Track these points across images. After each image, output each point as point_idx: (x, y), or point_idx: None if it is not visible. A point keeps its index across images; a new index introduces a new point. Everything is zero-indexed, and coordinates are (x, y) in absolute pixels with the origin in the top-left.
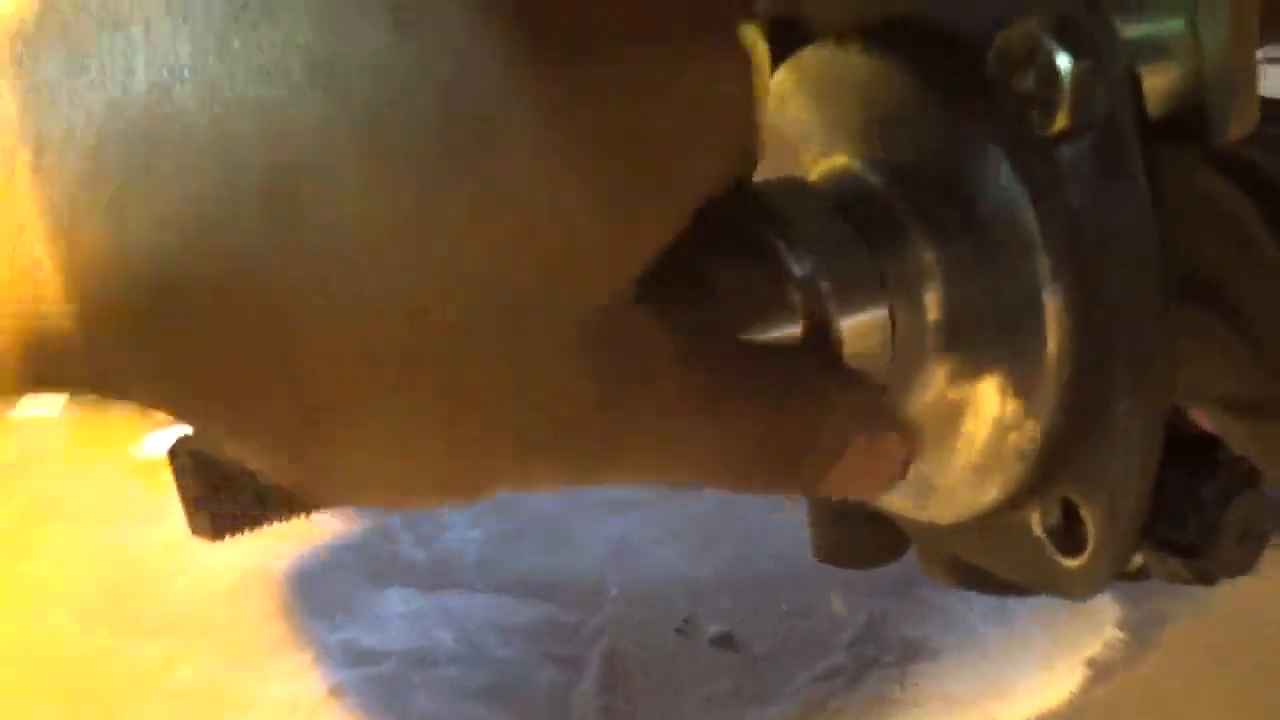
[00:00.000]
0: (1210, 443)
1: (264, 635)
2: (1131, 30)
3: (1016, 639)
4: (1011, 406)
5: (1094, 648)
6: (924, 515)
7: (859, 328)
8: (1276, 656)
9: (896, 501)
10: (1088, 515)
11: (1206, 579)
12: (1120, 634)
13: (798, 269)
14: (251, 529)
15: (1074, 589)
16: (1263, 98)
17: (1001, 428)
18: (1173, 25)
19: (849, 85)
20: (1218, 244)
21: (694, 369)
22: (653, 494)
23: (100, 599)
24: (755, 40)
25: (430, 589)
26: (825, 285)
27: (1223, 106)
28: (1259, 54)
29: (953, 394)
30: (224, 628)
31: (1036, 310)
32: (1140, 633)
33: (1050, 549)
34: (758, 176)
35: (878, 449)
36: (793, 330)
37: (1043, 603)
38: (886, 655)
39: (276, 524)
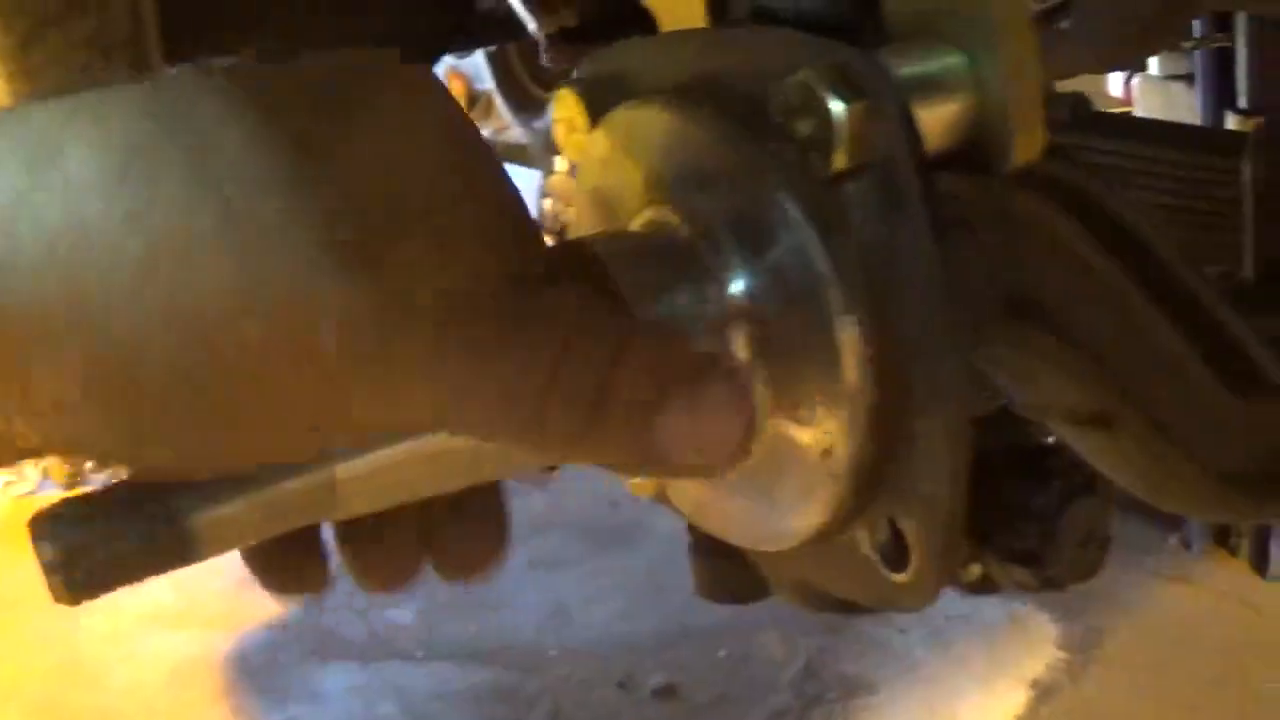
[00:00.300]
0: (1045, 453)
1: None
2: (912, 69)
3: (955, 664)
4: (824, 433)
5: (1035, 668)
6: (761, 545)
7: None
8: (1215, 666)
9: (738, 531)
10: (907, 530)
11: (1054, 585)
12: (1060, 653)
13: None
14: (123, 583)
15: (905, 601)
16: (1102, 114)
17: (818, 454)
18: (953, 62)
19: (656, 142)
20: (1048, 265)
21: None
22: (588, 554)
23: (45, 693)
24: (574, 104)
25: (371, 662)
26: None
27: (1005, 136)
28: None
29: (772, 426)
30: (167, 714)
31: (835, 341)
32: (1080, 651)
33: (879, 565)
34: (588, 230)
35: (706, 406)
36: None
37: (980, 626)
38: (829, 693)
39: (165, 576)
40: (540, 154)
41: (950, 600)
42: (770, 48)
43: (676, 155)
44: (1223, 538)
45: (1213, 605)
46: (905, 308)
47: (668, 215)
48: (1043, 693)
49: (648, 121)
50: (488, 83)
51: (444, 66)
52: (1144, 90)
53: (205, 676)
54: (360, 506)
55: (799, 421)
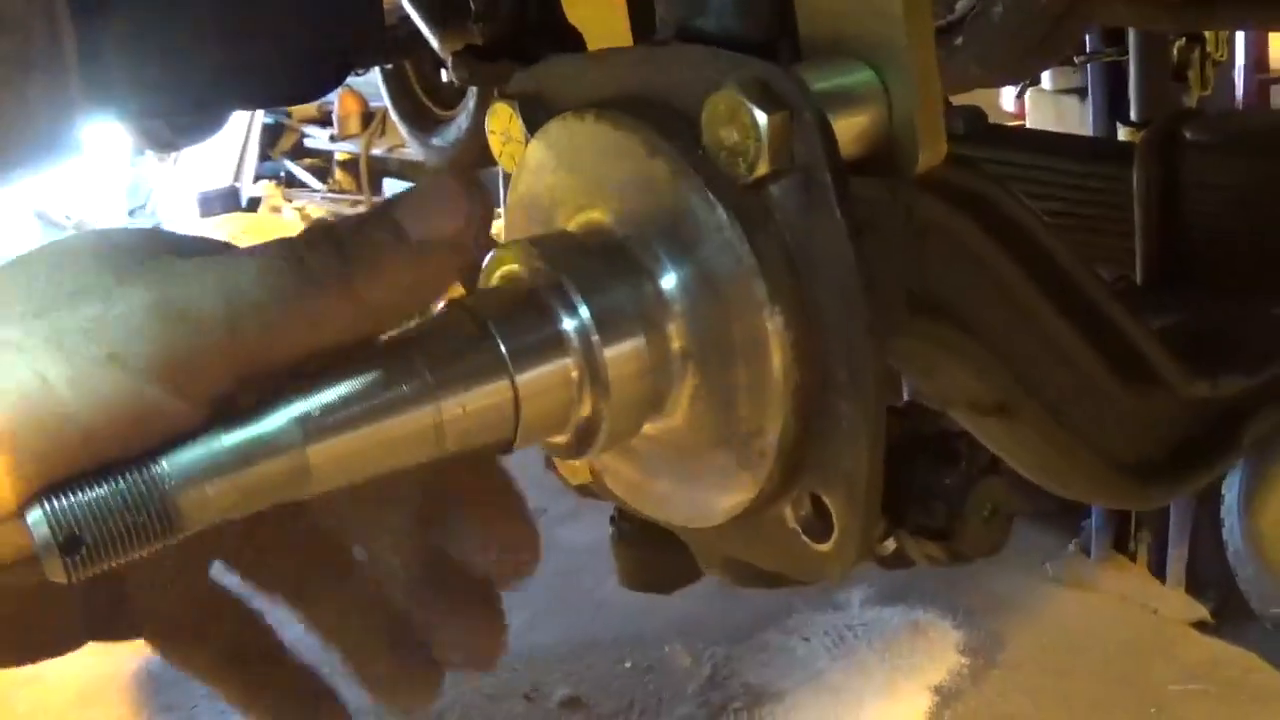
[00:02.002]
0: (951, 438)
1: None
2: (828, 83)
3: (859, 671)
4: (752, 415)
5: (937, 674)
6: (693, 523)
7: (620, 356)
8: (1116, 669)
9: (671, 511)
10: (830, 504)
11: (961, 558)
12: (962, 659)
13: (563, 310)
14: (116, 560)
15: (828, 570)
16: (996, 125)
17: (746, 434)
18: (865, 77)
19: (591, 151)
20: (949, 264)
21: None
22: None
23: None
24: (511, 116)
25: None
26: (588, 320)
27: (911, 144)
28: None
29: (704, 408)
30: None
31: (761, 331)
32: (981, 656)
33: (803, 538)
34: (525, 234)
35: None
36: (565, 361)
37: (882, 633)
38: (734, 702)
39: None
40: (436, 171)
41: (854, 608)
42: (697, 63)
43: (611, 163)
44: (1122, 543)
45: (1113, 609)
46: (825, 299)
47: (602, 218)
48: (945, 698)
49: (583, 133)
50: (384, 100)
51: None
52: (1036, 104)
53: (113, 696)
54: (330, 485)
55: (727, 405)
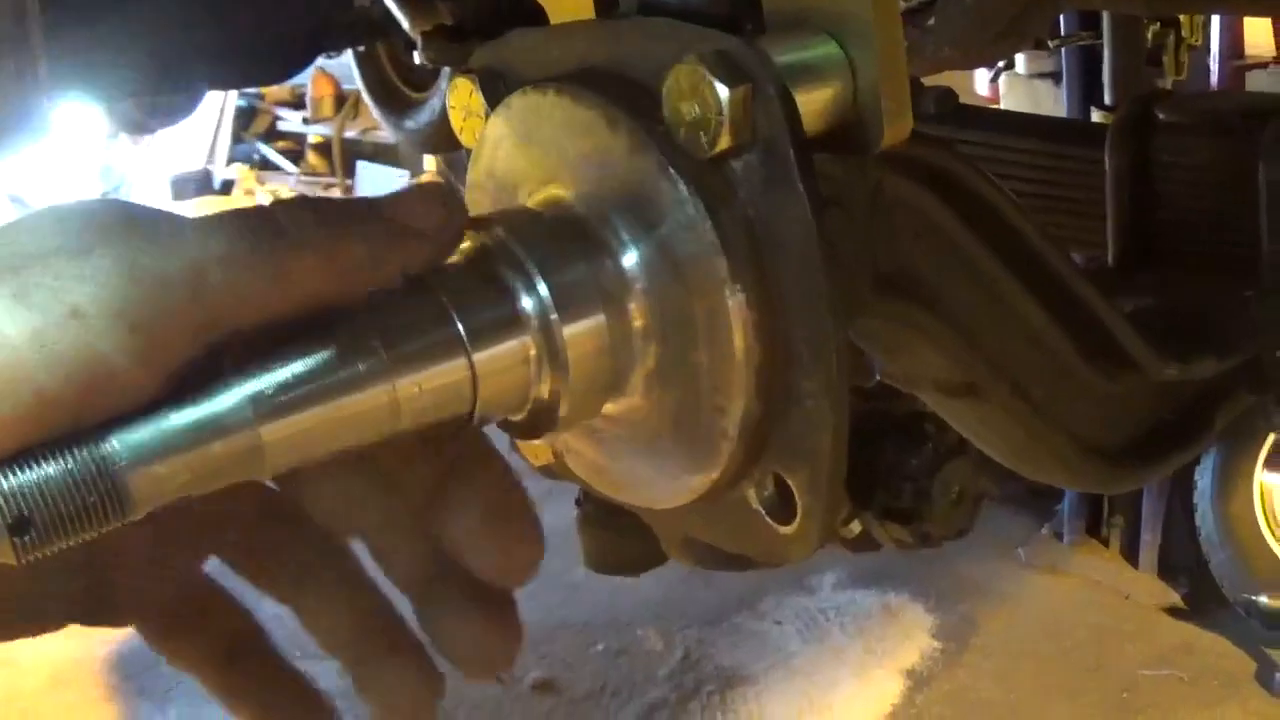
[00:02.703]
0: (919, 419)
1: None
2: (791, 57)
3: (831, 655)
4: (714, 395)
5: (910, 658)
6: (655, 504)
7: (579, 334)
8: (1088, 653)
9: (633, 492)
10: (793, 485)
11: (929, 540)
12: (935, 642)
13: (522, 287)
14: (67, 541)
15: (791, 552)
16: (967, 106)
17: (708, 414)
18: (829, 51)
19: (551, 126)
20: (917, 243)
21: None
22: None
23: None
24: (471, 91)
25: None
26: (547, 298)
27: (876, 119)
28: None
29: (665, 388)
30: (48, 718)
31: (723, 309)
32: (954, 640)
33: (766, 519)
34: (479, 211)
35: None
36: (524, 339)
37: (854, 616)
38: (706, 685)
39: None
40: (410, 153)
41: (825, 592)
42: (658, 37)
43: (572, 139)
44: (1094, 528)
45: (1085, 594)
46: (788, 277)
47: (562, 195)
48: (918, 682)
49: (542, 107)
50: (357, 83)
51: (313, 67)
52: (1010, 87)
53: (86, 680)
54: (285, 464)
55: (689, 384)
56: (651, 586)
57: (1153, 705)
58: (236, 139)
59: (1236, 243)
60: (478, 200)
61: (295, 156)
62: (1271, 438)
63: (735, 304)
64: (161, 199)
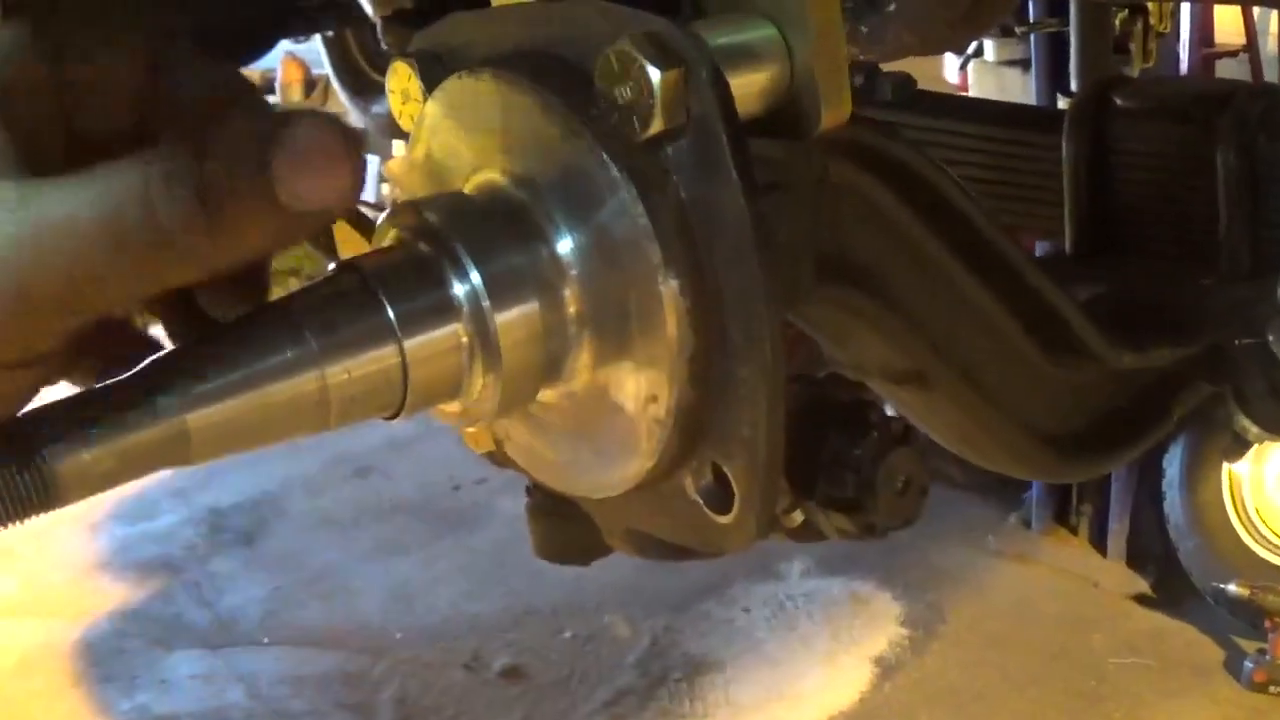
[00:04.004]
0: (863, 407)
1: (56, 709)
2: (726, 39)
3: (800, 643)
4: (647, 382)
5: (878, 645)
6: (594, 492)
7: (512, 321)
8: (1056, 641)
9: (571, 480)
10: (731, 473)
11: (873, 531)
12: (903, 630)
13: (454, 274)
14: None
15: (729, 542)
16: (925, 92)
17: (642, 401)
18: (765, 34)
19: (486, 110)
20: (866, 231)
21: None
22: (431, 537)
23: None
24: (409, 75)
25: (217, 648)
26: (479, 285)
27: (813, 102)
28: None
29: (599, 376)
30: (14, 703)
31: (656, 296)
32: (922, 628)
33: (704, 509)
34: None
35: (305, 134)
36: (455, 327)
37: (822, 604)
38: (674, 672)
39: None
40: (379, 139)
41: (793, 579)
42: (590, 19)
43: (506, 123)
44: (1063, 516)
45: (1053, 582)
46: (722, 263)
47: (497, 179)
48: (886, 669)
49: (477, 91)
50: (325, 68)
51: (281, 52)
52: (979, 75)
53: (51, 666)
54: (213, 453)
55: (623, 372)
56: (619, 573)
57: (1121, 693)
58: None
59: (1195, 230)
60: (414, 184)
61: None
62: None
63: (668, 290)
64: None
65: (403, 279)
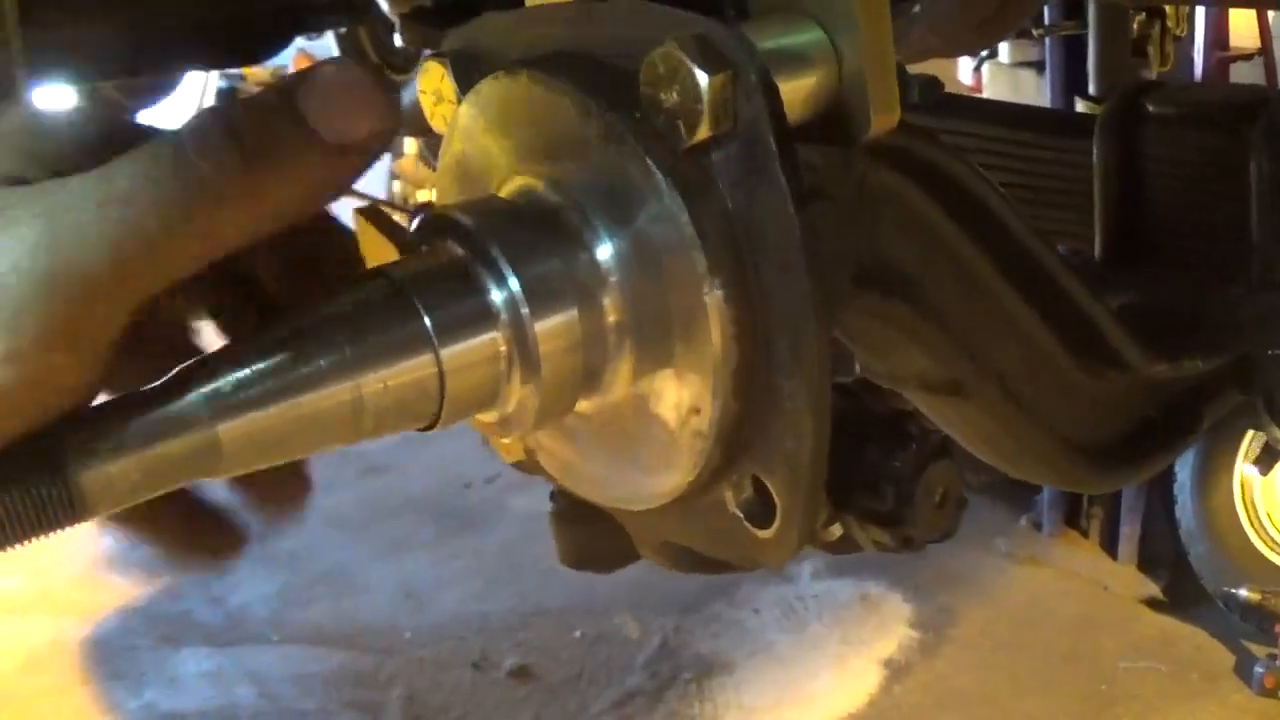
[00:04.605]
0: (902, 418)
1: (64, 706)
2: (774, 43)
3: (809, 645)
4: (689, 394)
5: (888, 648)
6: (629, 504)
7: (551, 330)
8: (1065, 643)
9: (608, 492)
10: (772, 487)
11: (911, 545)
12: (913, 632)
13: (491, 280)
14: (13, 544)
15: (768, 557)
16: (953, 95)
17: (683, 414)
18: (814, 37)
19: (523, 112)
20: (905, 239)
21: None
22: (441, 536)
23: None
24: (442, 75)
25: (225, 646)
26: (517, 291)
27: (862, 108)
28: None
29: (638, 387)
30: (22, 701)
31: (700, 306)
32: (932, 630)
33: (744, 523)
34: (453, 199)
35: (329, 74)
36: (493, 335)
37: (832, 606)
38: (684, 673)
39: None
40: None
41: (804, 581)
42: (635, 20)
43: (544, 126)
44: (1073, 519)
45: (1064, 585)
46: (768, 273)
47: (535, 184)
48: (896, 671)
49: (513, 93)
50: None
51: (292, 48)
52: (993, 77)
53: (60, 664)
54: (243, 465)
55: (663, 383)
56: (629, 573)
57: (1131, 697)
58: None
59: (1225, 239)
60: (447, 188)
61: None
62: (1253, 430)
63: (713, 300)
64: None
65: (438, 285)
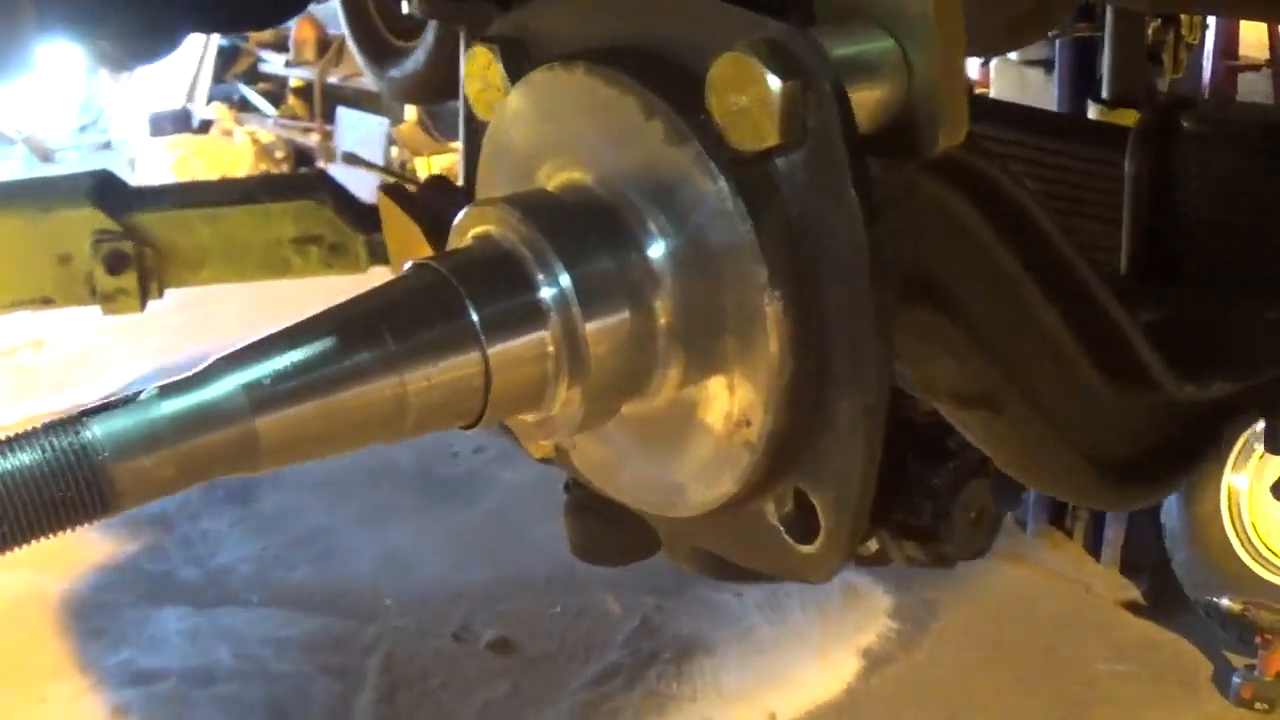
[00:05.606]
0: (941, 433)
1: (41, 659)
2: (845, 51)
3: (790, 631)
4: (739, 404)
5: (868, 638)
6: (668, 511)
7: (601, 330)
8: (1046, 643)
9: (643, 496)
10: (818, 504)
11: (944, 561)
12: (893, 624)
13: (542, 276)
14: (38, 538)
15: (809, 573)
16: (999, 102)
17: (731, 424)
18: (884, 46)
19: (578, 106)
20: (945, 249)
21: None
22: (425, 504)
23: None
24: (490, 62)
25: (205, 606)
26: (569, 289)
27: (931, 121)
28: (1015, 55)
29: (686, 394)
30: None
31: (758, 315)
32: (913, 622)
33: (784, 536)
34: (500, 190)
35: None
36: (542, 334)
37: (815, 595)
38: (663, 652)
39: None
40: (391, 102)
41: None
42: (705, 18)
43: (600, 122)
44: (1058, 519)
45: (1046, 584)
46: (830, 287)
47: (584, 179)
48: (874, 662)
49: (571, 86)
50: (342, 29)
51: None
52: (1000, 74)
53: (38, 617)
54: (280, 461)
55: (713, 392)
56: None
57: (1108, 701)
58: (217, 79)
59: (1257, 260)
60: (491, 179)
61: (275, 99)
62: (1242, 440)
63: (772, 311)
64: (139, 135)
65: (487, 280)
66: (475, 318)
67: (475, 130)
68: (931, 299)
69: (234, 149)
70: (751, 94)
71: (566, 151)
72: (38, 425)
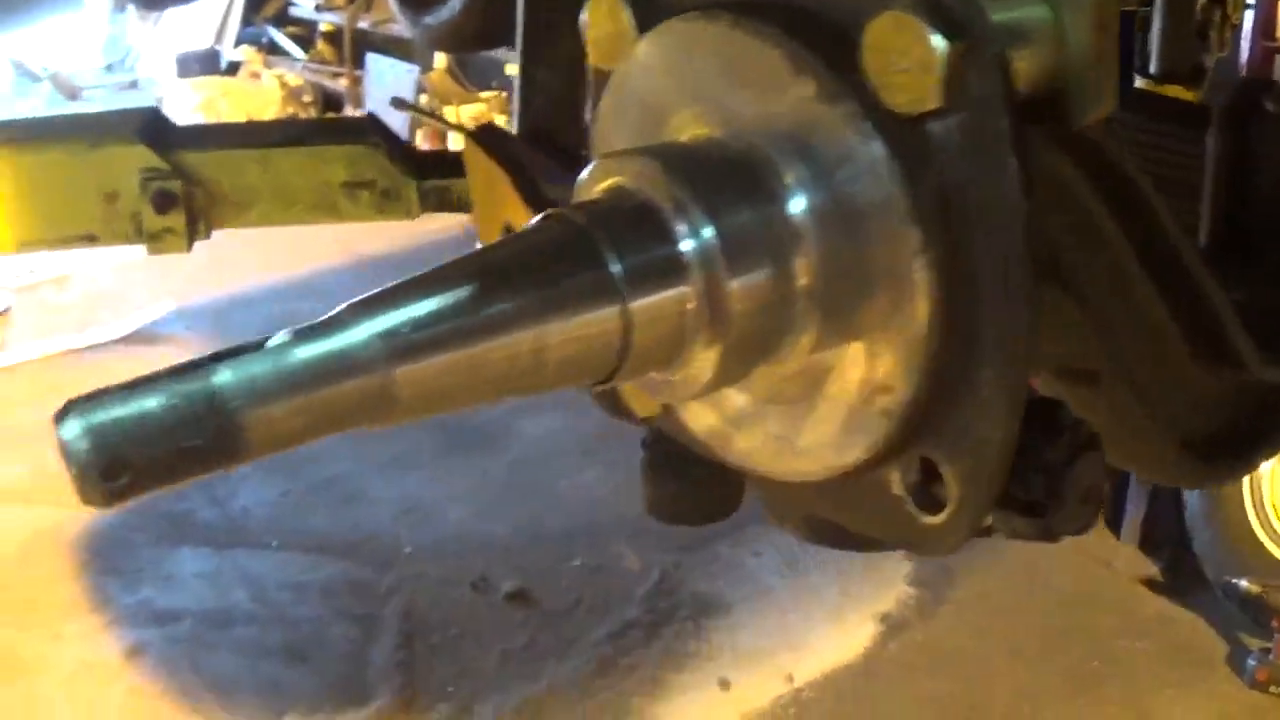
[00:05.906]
0: (1055, 406)
1: (57, 597)
2: (1002, 14)
3: (809, 593)
4: (880, 371)
5: (886, 603)
6: (788, 473)
7: (744, 288)
8: (1061, 614)
9: (760, 460)
10: (950, 475)
11: (1049, 536)
12: (911, 590)
13: (685, 228)
14: (164, 486)
15: (932, 545)
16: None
17: (868, 390)
18: (1038, 13)
19: (717, 57)
20: (1061, 220)
21: None
22: (447, 452)
23: None
24: (616, 7)
25: (224, 548)
26: (713, 242)
27: (1082, 91)
28: None
29: (821, 357)
30: (15, 590)
31: (906, 280)
32: (932, 590)
33: (910, 506)
34: (625, 142)
35: None
36: (684, 289)
37: (833, 557)
38: (681, 610)
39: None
40: (422, 49)
41: None
42: None
43: (743, 76)
44: None
45: (1066, 558)
46: (982, 256)
47: (720, 134)
48: (891, 628)
49: (712, 37)
50: None
51: None
52: None
53: (56, 554)
54: (414, 413)
55: (851, 356)
56: (632, 505)
57: (1120, 676)
58: (246, 21)
59: None
60: (614, 130)
61: (305, 43)
62: None
63: (922, 277)
64: (166, 75)
65: (628, 232)
66: (617, 269)
67: (592, 80)
68: (1046, 270)
69: (262, 92)
70: (912, 55)
71: (703, 103)
72: (162, 369)
